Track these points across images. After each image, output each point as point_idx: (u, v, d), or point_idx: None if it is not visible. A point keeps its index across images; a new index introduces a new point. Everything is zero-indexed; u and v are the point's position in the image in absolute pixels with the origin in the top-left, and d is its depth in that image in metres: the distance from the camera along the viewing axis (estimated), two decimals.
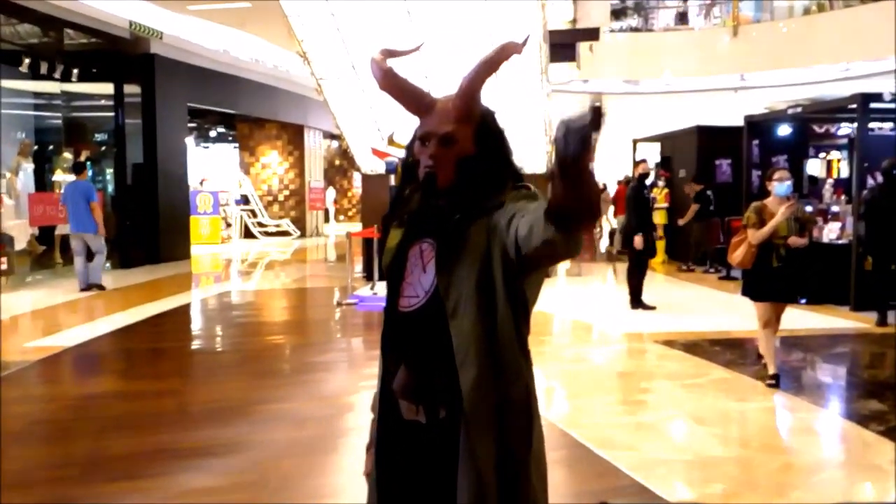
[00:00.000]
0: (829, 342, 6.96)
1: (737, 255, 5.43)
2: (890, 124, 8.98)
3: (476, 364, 1.56)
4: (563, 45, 14.23)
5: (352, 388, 5.63)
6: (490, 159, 1.65)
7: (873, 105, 8.36)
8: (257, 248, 18.08)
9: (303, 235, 20.72)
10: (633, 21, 23.62)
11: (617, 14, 22.00)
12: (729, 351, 6.49)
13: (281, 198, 21.10)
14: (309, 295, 10.88)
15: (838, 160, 15.63)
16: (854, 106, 8.57)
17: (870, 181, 8.30)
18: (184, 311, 9.19)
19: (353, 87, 10.39)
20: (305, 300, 10.51)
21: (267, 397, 5.32)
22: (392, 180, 9.83)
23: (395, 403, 1.67)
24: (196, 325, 8.83)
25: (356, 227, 25.51)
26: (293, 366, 6.52)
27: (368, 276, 10.99)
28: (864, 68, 17.23)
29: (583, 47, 16.73)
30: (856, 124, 11.23)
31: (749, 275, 5.47)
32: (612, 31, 20.67)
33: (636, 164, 9.13)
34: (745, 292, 5.53)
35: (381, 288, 9.75)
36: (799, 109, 10.46)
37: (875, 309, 7.64)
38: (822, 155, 15.03)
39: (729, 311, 8.05)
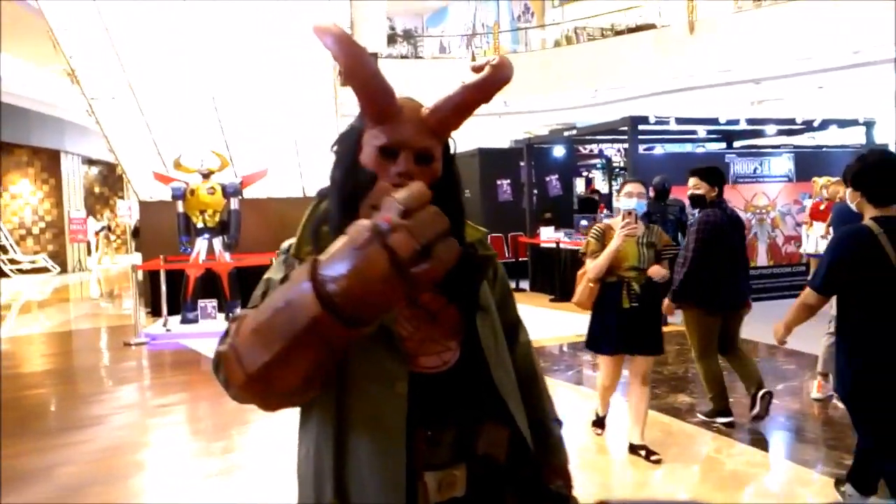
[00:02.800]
0: None
1: (576, 294, 4.35)
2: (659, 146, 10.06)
3: (520, 411, 1.44)
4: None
5: (135, 443, 5.18)
6: (458, 187, 1.45)
7: (641, 127, 9.33)
8: (10, 287, 16.12)
9: (64, 271, 18.82)
10: (403, 49, 24.40)
11: (389, 40, 22.56)
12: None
13: (36, 231, 19.03)
14: (87, 337, 9.88)
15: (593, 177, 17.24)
16: (625, 128, 9.49)
17: None
18: None
19: (130, 108, 9.67)
20: (85, 343, 9.52)
21: (61, 457, 4.76)
22: (179, 206, 9.25)
23: (414, 490, 1.32)
24: None
25: (124, 258, 23.86)
26: (86, 419, 5.85)
27: (154, 312, 10.24)
28: (609, 95, 19.15)
29: None
30: (618, 145, 12.47)
31: (592, 320, 4.35)
32: (383, 57, 21.18)
33: None
34: (588, 344, 4.41)
35: (174, 324, 9.13)
36: (574, 132, 11.38)
37: None
38: (584, 173, 16.46)
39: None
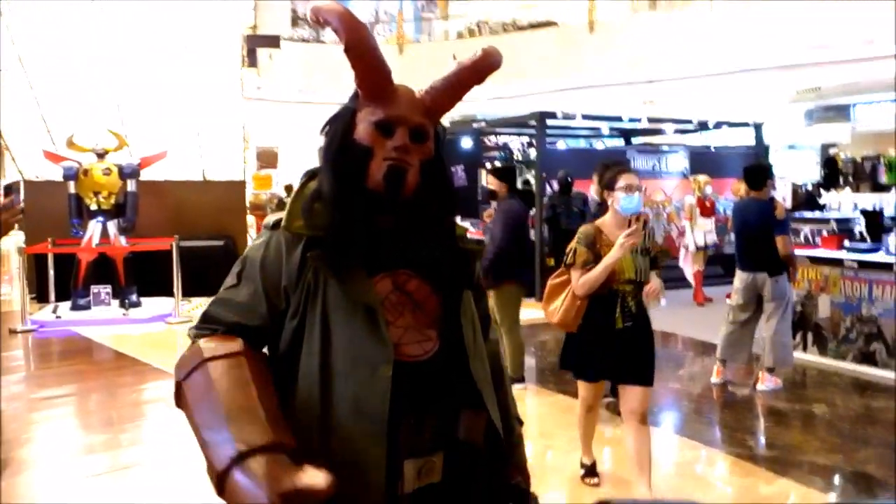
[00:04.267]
0: (532, 331, 7.57)
1: (555, 311, 3.56)
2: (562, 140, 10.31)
3: (493, 402, 1.45)
4: (249, 52, 13.98)
5: (16, 439, 4.94)
6: (448, 172, 1.47)
7: (549, 122, 9.55)
8: None
9: None
10: (305, 32, 23.94)
11: (292, 23, 22.09)
12: None
13: None
14: None
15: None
16: (534, 123, 9.68)
17: (547, 189, 9.48)
18: None
19: (18, 82, 9.08)
20: None
21: None
22: (71, 187, 8.76)
23: (395, 475, 1.32)
24: None
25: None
26: None
27: (41, 298, 9.67)
28: (512, 90, 19.49)
29: (262, 54, 16.53)
30: (522, 139, 12.71)
31: (575, 340, 3.57)
32: (285, 38, 20.75)
33: None
34: (565, 363, 3.69)
35: (65, 311, 8.66)
36: (483, 124, 11.51)
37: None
38: (488, 165, 16.66)
39: None
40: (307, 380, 1.32)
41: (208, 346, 1.31)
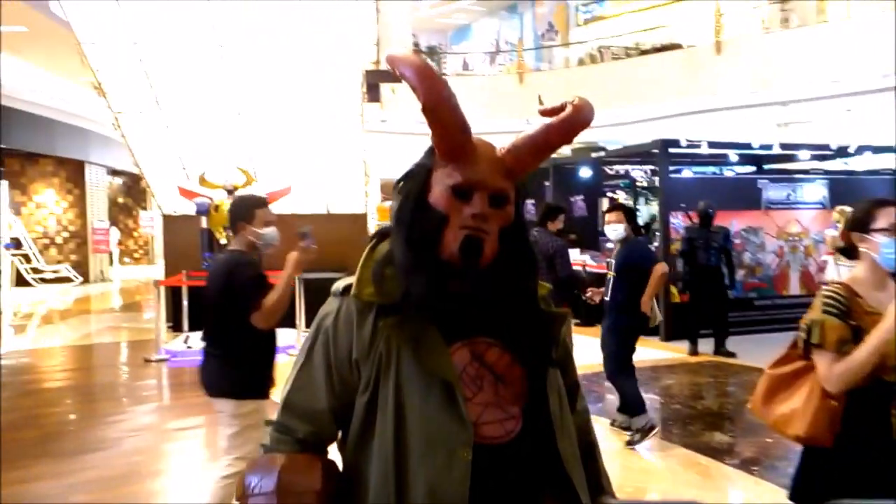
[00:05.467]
0: (655, 373, 7.36)
1: (789, 416, 2.35)
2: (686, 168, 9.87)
3: (584, 487, 1.32)
4: (370, 86, 14.32)
5: (151, 470, 5.07)
6: (527, 234, 1.36)
7: (671, 150, 9.17)
8: (32, 297, 16.18)
9: (86, 281, 18.86)
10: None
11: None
12: None
13: (59, 240, 19.11)
14: (108, 352, 9.82)
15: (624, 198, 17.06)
16: (656, 150, 9.33)
17: (672, 220, 9.08)
18: None
19: (155, 123, 9.65)
20: (105, 358, 9.46)
21: (78, 483, 4.65)
22: (203, 222, 9.19)
23: None
24: None
25: (145, 269, 23.90)
26: (105, 441, 5.72)
27: (176, 328, 10.18)
28: (634, 115, 19.01)
29: (386, 88, 16.94)
30: (645, 167, 12.32)
31: (827, 460, 2.31)
32: None
33: (553, 216, 6.40)
34: (807, 495, 2.41)
35: (195, 341, 9.03)
36: (602, 154, 11.24)
37: (687, 338, 8.24)
38: (609, 194, 16.29)
39: None
40: (381, 462, 1.22)
41: (287, 474, 1.25)
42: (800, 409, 2.32)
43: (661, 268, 5.15)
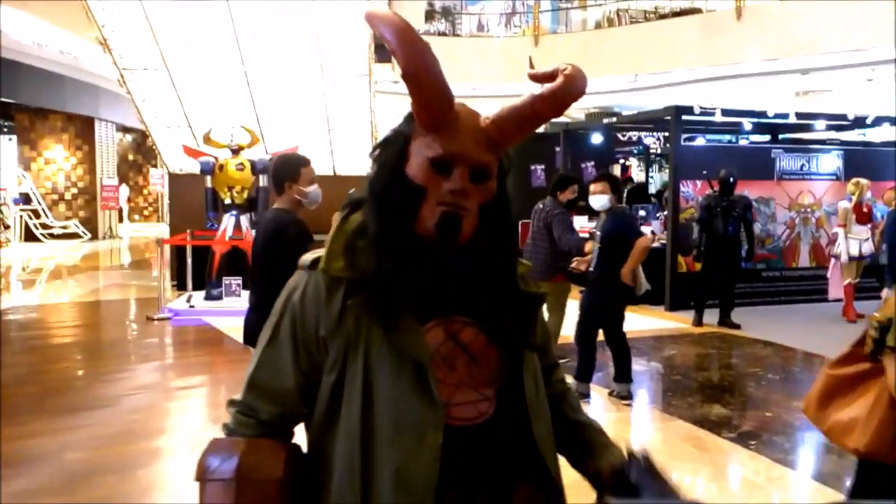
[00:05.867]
0: (658, 343, 7.29)
1: (846, 425, 2.04)
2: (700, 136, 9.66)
3: (557, 468, 1.27)
4: (379, 47, 14.13)
5: (150, 428, 5.05)
6: (510, 212, 1.26)
7: (685, 117, 8.97)
8: (41, 252, 16.26)
9: (94, 238, 18.94)
10: (441, 25, 24.06)
11: (426, 17, 22.25)
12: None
13: (68, 196, 19.17)
14: (112, 309, 9.86)
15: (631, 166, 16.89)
16: (668, 118, 9.14)
17: (682, 188, 8.92)
18: None
19: (161, 79, 9.55)
20: (110, 315, 9.49)
21: (74, 440, 4.66)
22: (208, 181, 9.13)
23: None
24: None
25: (154, 227, 23.96)
26: (104, 399, 5.72)
27: (180, 286, 10.19)
28: (650, 80, 18.69)
29: None
30: (658, 133, 12.12)
31: (889, 477, 1.97)
32: (421, 33, 20.96)
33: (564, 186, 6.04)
34: None
35: (198, 300, 9.05)
36: (614, 119, 11.06)
37: (694, 309, 8.10)
38: (621, 161, 16.10)
39: None
40: (347, 444, 1.16)
41: (248, 459, 1.19)
42: (862, 418, 2.00)
43: (644, 241, 5.12)
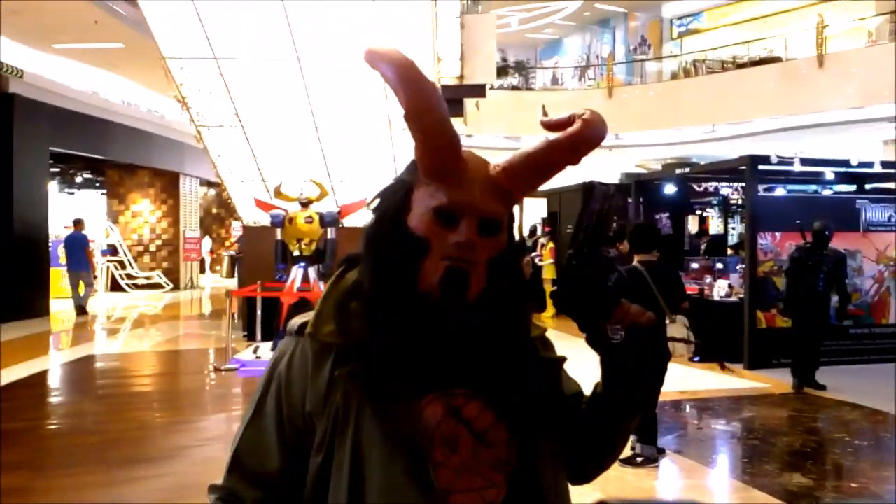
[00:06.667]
0: (736, 405, 6.89)
1: None
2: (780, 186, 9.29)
3: None
4: (452, 101, 14.28)
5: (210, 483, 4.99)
6: (520, 267, 1.16)
7: (761, 167, 8.64)
8: (125, 301, 16.86)
9: (176, 288, 19.55)
10: (514, 80, 24.28)
11: (499, 72, 22.51)
12: None
13: (152, 248, 19.93)
14: (183, 359, 10.04)
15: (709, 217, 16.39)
16: (743, 167, 8.81)
17: (760, 240, 8.53)
18: (39, 380, 8.16)
19: (236, 136, 9.84)
20: (180, 365, 9.67)
21: (129, 493, 4.64)
22: (278, 233, 9.29)
23: None
24: (53, 398, 7.84)
25: (234, 279, 24.56)
26: (164, 451, 5.70)
27: (250, 337, 10.32)
28: (728, 130, 18.26)
29: (469, 103, 16.86)
30: (735, 184, 11.75)
31: None
32: (493, 88, 21.14)
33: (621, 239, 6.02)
34: None
35: (265, 351, 9.11)
36: (687, 170, 10.79)
37: (771, 367, 7.64)
38: (697, 212, 15.67)
39: None
40: None
41: None
42: None
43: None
